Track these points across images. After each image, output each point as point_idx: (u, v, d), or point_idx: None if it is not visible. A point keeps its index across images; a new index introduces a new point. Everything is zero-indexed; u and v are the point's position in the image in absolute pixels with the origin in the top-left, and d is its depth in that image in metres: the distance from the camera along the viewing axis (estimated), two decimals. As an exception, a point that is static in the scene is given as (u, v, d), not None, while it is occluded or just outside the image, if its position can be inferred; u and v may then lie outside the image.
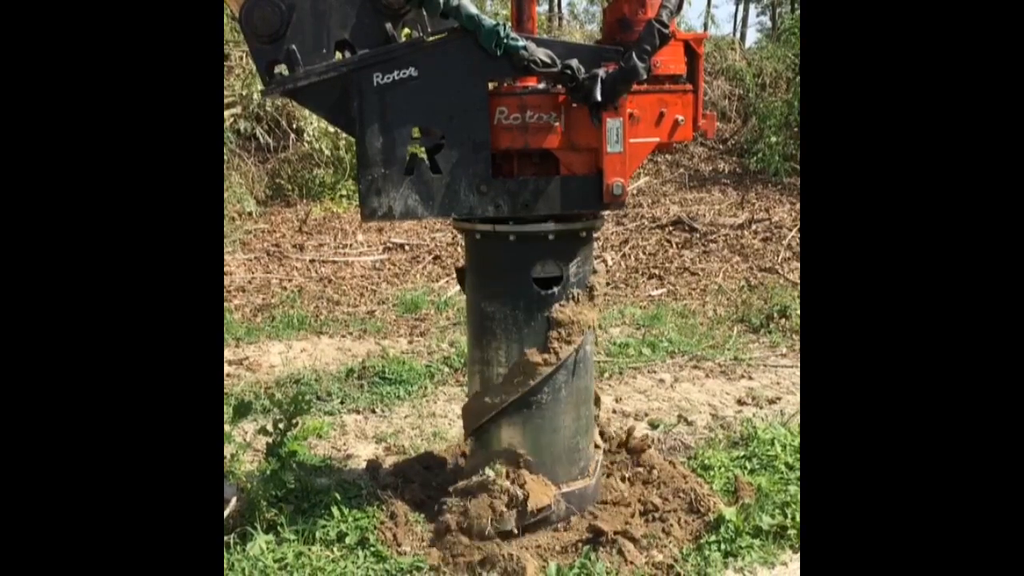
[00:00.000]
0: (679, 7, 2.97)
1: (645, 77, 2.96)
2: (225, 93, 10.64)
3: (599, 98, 2.94)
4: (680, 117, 3.18)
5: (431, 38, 3.05)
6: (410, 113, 3.05)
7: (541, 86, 3.17)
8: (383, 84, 3.00)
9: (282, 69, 3.09)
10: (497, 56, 2.97)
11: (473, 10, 2.96)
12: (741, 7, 29.89)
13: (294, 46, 3.00)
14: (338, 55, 3.10)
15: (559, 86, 3.07)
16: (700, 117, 3.23)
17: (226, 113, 10.55)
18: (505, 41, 2.94)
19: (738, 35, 24.08)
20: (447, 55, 3.03)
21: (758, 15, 33.13)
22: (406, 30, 3.14)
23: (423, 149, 3.19)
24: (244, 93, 10.85)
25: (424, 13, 2.98)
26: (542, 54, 2.97)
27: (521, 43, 2.96)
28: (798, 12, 17.23)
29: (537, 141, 3.12)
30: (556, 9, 21.66)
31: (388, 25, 3.02)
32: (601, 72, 2.95)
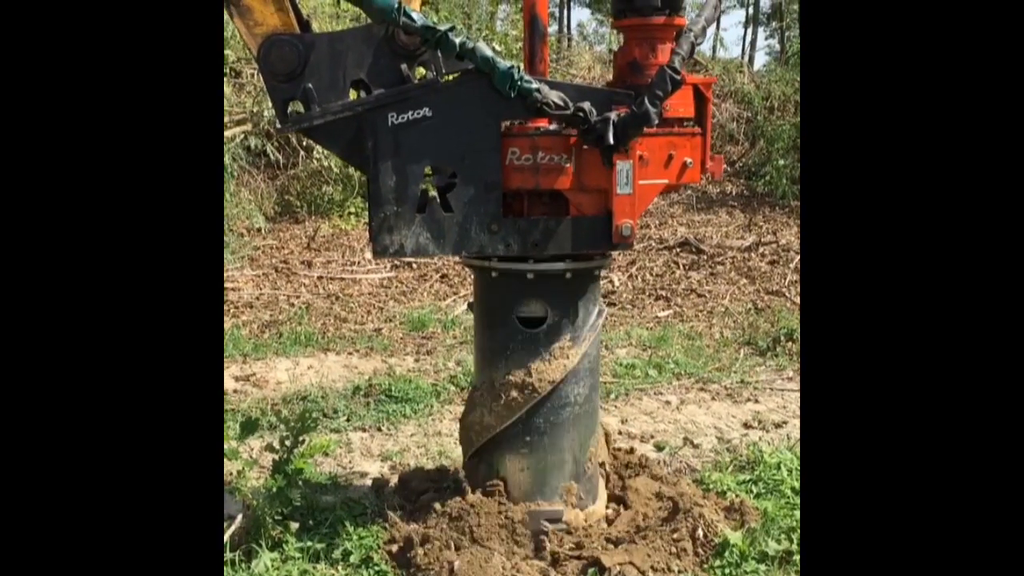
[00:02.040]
0: (691, 53, 3.02)
1: (657, 123, 3.01)
2: (236, 110, 10.72)
3: (610, 141, 2.99)
4: (689, 159, 3.23)
5: (446, 79, 3.10)
6: (423, 152, 3.09)
7: (553, 127, 3.22)
8: (397, 124, 3.05)
9: (297, 106, 3.14)
10: (511, 97, 3.02)
11: (488, 52, 3.01)
12: (750, 30, 29.98)
13: (311, 84, 3.06)
14: (353, 94, 3.15)
15: (571, 128, 3.12)
16: (708, 159, 3.28)
17: (237, 130, 10.61)
18: (519, 83, 2.99)
19: (747, 58, 24.29)
20: (461, 96, 3.08)
21: (767, 38, 33.20)
22: (420, 70, 3.19)
23: (435, 187, 3.24)
24: (255, 110, 10.92)
25: (439, 54, 3.03)
26: (555, 96, 3.02)
27: (535, 85, 3.01)
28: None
29: (548, 182, 3.17)
30: (565, 30, 21.75)
31: (403, 65, 3.07)
32: (613, 115, 3.00)
